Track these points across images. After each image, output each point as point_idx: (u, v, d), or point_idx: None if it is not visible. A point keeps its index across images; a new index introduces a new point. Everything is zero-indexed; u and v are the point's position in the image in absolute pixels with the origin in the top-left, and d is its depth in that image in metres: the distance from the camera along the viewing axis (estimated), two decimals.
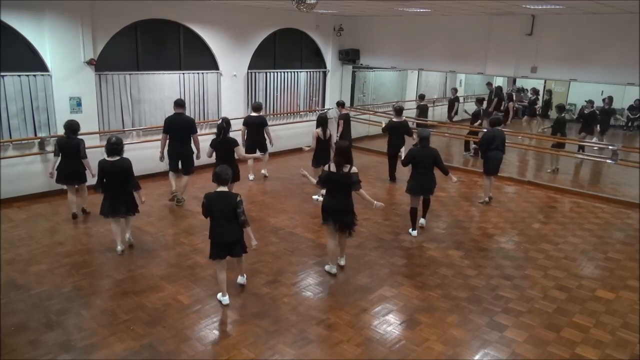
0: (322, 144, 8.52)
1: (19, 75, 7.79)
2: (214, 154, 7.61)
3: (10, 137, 7.88)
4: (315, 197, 8.78)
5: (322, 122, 8.58)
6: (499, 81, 18.01)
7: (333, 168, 5.68)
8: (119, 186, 6.14)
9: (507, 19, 10.01)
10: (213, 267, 6.07)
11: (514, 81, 19.61)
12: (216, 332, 4.77)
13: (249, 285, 5.68)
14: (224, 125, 7.45)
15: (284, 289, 5.65)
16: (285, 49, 11.93)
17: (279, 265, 6.19)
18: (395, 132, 9.90)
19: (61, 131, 8.23)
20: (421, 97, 13.83)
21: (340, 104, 11.23)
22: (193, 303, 5.26)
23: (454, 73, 15.95)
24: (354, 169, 5.67)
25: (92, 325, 4.78)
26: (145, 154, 9.14)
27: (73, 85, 8.33)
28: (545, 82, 18.69)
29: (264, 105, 11.63)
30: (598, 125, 13.11)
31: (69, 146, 7.06)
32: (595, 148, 12.50)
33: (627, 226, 8.15)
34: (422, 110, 13.39)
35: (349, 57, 12.77)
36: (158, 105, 9.67)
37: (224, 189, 5.04)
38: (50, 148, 8.27)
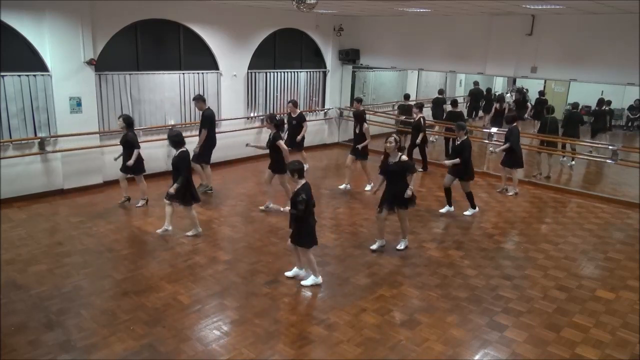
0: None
1: (19, 75, 7.79)
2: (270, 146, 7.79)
3: (10, 137, 7.87)
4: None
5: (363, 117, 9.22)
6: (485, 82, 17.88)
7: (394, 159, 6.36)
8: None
9: (507, 19, 10.01)
10: (213, 267, 6.10)
11: (514, 81, 19.59)
12: (216, 332, 4.77)
13: (249, 285, 5.69)
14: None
15: (284, 289, 5.65)
16: (285, 49, 11.93)
17: (279, 265, 6.18)
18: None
19: (61, 131, 8.28)
20: (406, 97, 13.88)
21: (359, 101, 11.32)
22: (193, 303, 5.26)
23: (454, 73, 15.94)
24: (404, 157, 6.44)
25: (92, 325, 4.78)
26: (146, 154, 9.11)
27: (73, 85, 8.32)
28: (545, 82, 18.68)
29: (264, 105, 11.67)
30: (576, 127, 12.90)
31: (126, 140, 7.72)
32: (590, 151, 12.45)
33: (627, 226, 8.15)
34: (406, 110, 13.47)
35: (349, 57, 12.76)
36: (158, 105, 9.67)
37: (304, 180, 5.54)
38: (50, 148, 8.29)
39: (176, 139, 6.65)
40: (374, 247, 6.74)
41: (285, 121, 9.77)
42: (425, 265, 6.37)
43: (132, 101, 9.26)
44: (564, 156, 11.99)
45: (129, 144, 7.68)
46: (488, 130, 11.60)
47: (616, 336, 4.93)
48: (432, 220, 8.00)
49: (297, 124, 9.88)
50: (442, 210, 8.28)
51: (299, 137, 9.84)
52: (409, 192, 6.38)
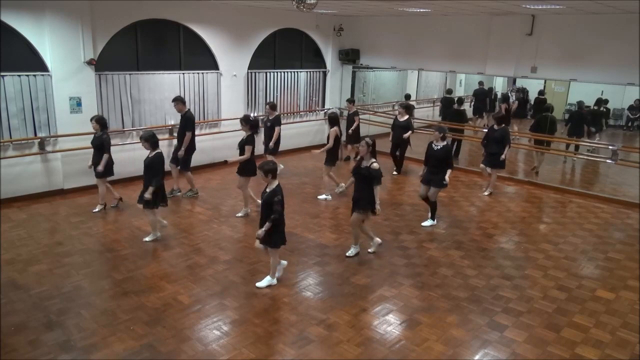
0: (338, 142, 8.70)
1: (19, 75, 7.79)
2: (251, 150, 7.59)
3: (10, 137, 7.87)
4: (323, 196, 8.88)
5: (337, 120, 8.86)
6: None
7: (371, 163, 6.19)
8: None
9: (507, 19, 10.02)
10: (213, 267, 6.10)
11: (514, 81, 19.58)
12: (216, 332, 4.77)
13: (249, 285, 5.69)
14: (255, 123, 7.77)
15: (284, 289, 5.65)
16: (285, 49, 11.93)
17: None
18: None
19: (61, 131, 8.29)
20: (407, 97, 13.85)
21: (351, 101, 11.30)
22: (193, 303, 5.26)
23: (454, 73, 15.94)
24: (375, 165, 6.20)
25: (92, 325, 4.78)
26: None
27: (73, 85, 8.33)
28: (545, 82, 18.67)
29: (264, 105, 11.65)
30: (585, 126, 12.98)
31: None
32: (590, 149, 12.48)
33: (627, 226, 8.15)
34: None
35: (349, 57, 12.77)
36: (158, 105, 9.67)
37: (277, 182, 5.46)
38: (50, 148, 8.28)
39: (153, 140, 6.51)
40: (349, 253, 6.53)
41: (261, 124, 9.74)
42: (425, 265, 6.37)
43: (132, 101, 9.26)
44: (565, 157, 12.00)
45: (102, 147, 7.47)
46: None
47: (616, 336, 4.93)
48: None
49: (271, 127, 9.60)
50: (426, 224, 7.74)
51: (271, 144, 9.51)
52: (378, 207, 6.22)
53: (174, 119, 9.93)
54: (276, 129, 9.57)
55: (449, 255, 6.72)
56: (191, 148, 8.52)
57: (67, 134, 8.34)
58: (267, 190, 5.42)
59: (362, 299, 5.48)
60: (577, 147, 12.04)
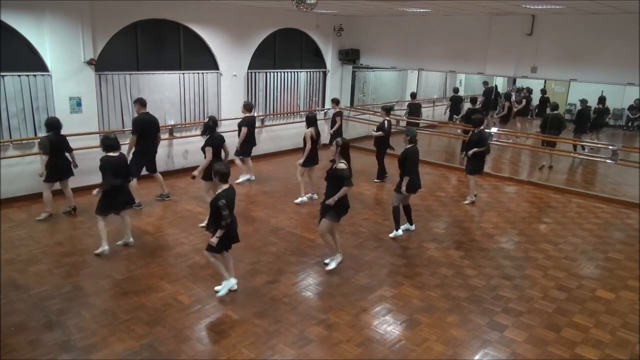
0: (314, 143, 8.47)
1: (19, 75, 7.78)
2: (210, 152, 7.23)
3: (10, 137, 7.87)
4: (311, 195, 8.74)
5: (314, 121, 8.60)
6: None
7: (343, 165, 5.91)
8: (124, 180, 6.31)
9: (507, 19, 10.02)
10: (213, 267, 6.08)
11: (514, 81, 19.60)
12: (216, 332, 4.77)
13: (249, 285, 5.69)
14: (211, 124, 7.25)
15: (284, 289, 5.65)
16: (285, 49, 11.93)
17: (279, 265, 6.19)
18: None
19: (61, 131, 8.26)
20: (412, 95, 13.95)
21: (336, 102, 11.25)
22: (193, 303, 5.26)
23: (454, 73, 15.95)
24: (342, 165, 5.87)
25: (92, 325, 4.78)
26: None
27: (73, 85, 8.33)
28: (545, 82, 18.68)
29: (264, 105, 11.66)
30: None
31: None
32: (585, 149, 12.48)
33: (627, 226, 8.15)
34: (414, 109, 13.60)
35: (349, 57, 12.77)
36: (158, 105, 9.64)
37: (227, 185, 5.20)
38: None
39: (107, 143, 6.21)
40: (331, 267, 6.12)
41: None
42: (425, 265, 6.37)
43: (132, 101, 9.24)
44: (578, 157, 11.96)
45: (56, 148, 7.18)
46: (488, 130, 11.59)
47: (616, 336, 4.93)
48: (432, 220, 7.99)
49: (239, 129, 9.28)
50: (400, 232, 7.27)
51: (237, 145, 9.21)
52: (330, 201, 5.80)
53: (174, 118, 9.95)
54: (242, 129, 9.21)
55: (449, 255, 6.72)
56: (143, 151, 7.94)
57: (66, 134, 8.29)
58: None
59: (362, 299, 5.48)
60: (576, 147, 12.03)
